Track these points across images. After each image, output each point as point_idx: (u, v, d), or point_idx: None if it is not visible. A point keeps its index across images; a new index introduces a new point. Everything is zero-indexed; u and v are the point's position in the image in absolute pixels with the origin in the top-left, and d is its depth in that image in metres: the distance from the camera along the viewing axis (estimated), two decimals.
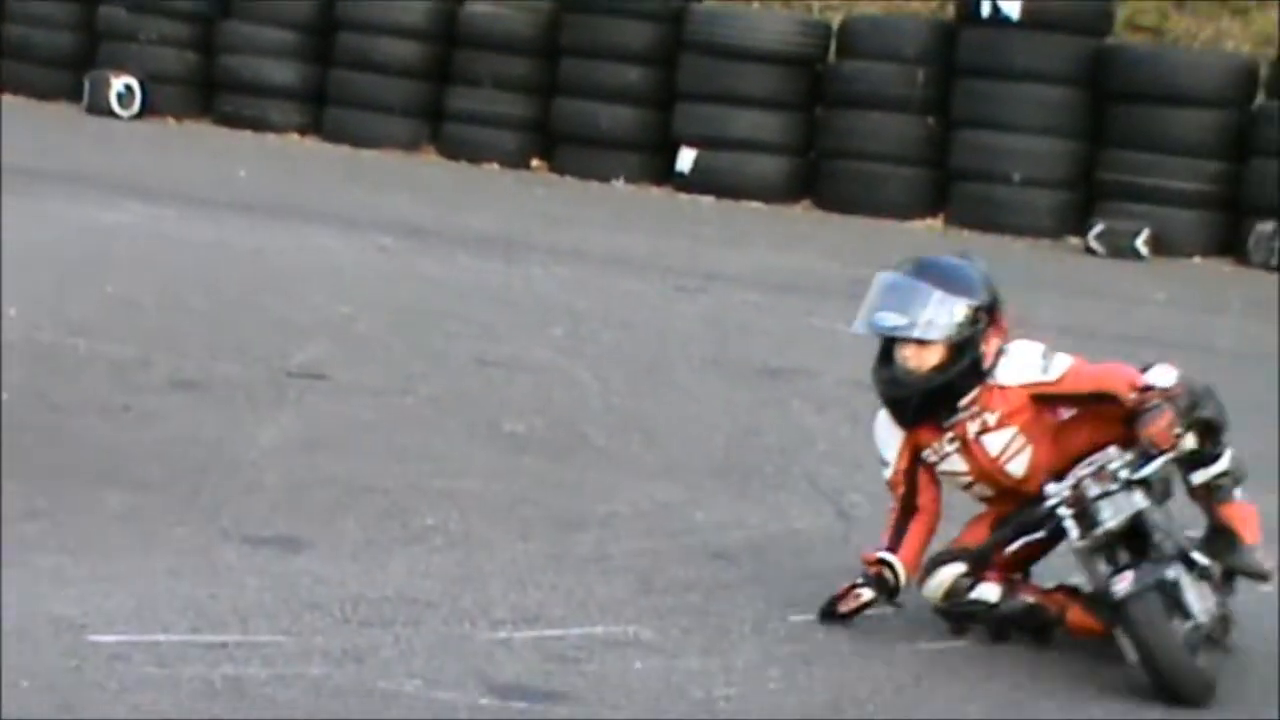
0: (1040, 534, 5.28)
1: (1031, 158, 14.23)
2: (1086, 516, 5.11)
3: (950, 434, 5.33)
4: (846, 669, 5.27)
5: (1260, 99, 14.29)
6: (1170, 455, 5.15)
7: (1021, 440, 5.32)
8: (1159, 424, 5.04)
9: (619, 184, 15.36)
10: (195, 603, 5.53)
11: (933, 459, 5.40)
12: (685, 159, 15.19)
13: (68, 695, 4.86)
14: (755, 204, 15.01)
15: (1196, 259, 14.09)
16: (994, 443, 5.32)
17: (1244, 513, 5.47)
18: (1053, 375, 5.29)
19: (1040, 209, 14.31)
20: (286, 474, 6.89)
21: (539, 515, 6.54)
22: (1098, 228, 13.93)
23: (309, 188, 14.45)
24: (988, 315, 5.27)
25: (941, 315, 5.20)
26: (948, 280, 5.30)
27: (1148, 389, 5.12)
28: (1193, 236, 14.15)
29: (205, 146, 16.08)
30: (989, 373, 5.27)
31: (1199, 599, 5.11)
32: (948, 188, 14.68)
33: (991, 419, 5.29)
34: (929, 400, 5.29)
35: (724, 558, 6.20)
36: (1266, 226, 13.61)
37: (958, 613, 5.34)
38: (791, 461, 7.44)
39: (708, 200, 15.02)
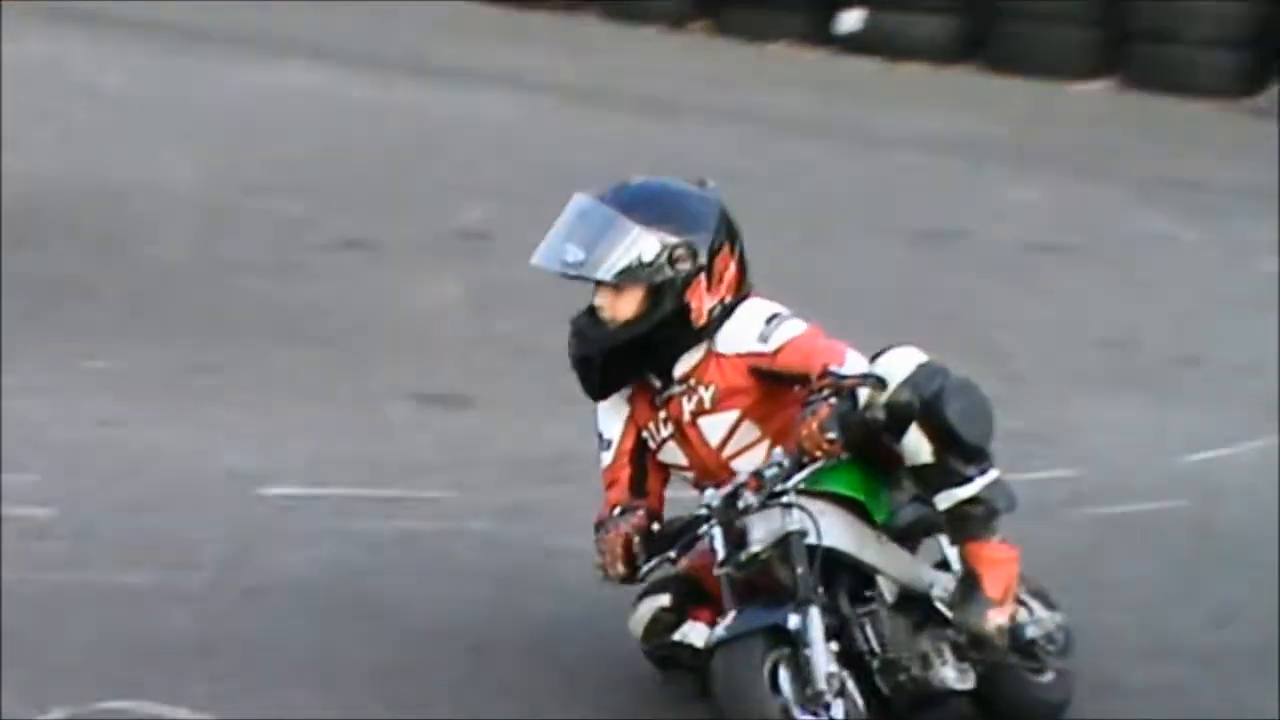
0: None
1: (1209, 17, 13.83)
2: (734, 533, 4.11)
3: (663, 412, 4.28)
4: None
5: None
6: (822, 464, 4.07)
7: (753, 432, 4.28)
8: (810, 423, 3.98)
9: (781, 46, 15.21)
10: (364, 458, 5.63)
11: (652, 445, 4.36)
12: (850, 20, 14.97)
13: (240, 547, 4.98)
14: (920, 65, 14.77)
15: None
16: (713, 429, 4.28)
17: (997, 556, 4.29)
18: (771, 346, 4.20)
19: (1218, 70, 13.92)
20: (453, 333, 6.97)
21: None
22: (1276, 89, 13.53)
23: (474, 49, 14.44)
24: (696, 258, 4.19)
25: (632, 252, 4.16)
26: (652, 209, 4.23)
27: (825, 375, 4.03)
28: None
29: (367, 8, 16.13)
30: (706, 334, 4.22)
31: (827, 663, 4.03)
32: (1122, 48, 14.33)
33: (708, 396, 4.22)
34: (625, 363, 4.25)
35: None
36: None
37: (659, 655, 4.35)
38: (955, 325, 7.36)
39: (872, 61, 14.80)
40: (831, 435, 3.97)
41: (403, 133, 10.67)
